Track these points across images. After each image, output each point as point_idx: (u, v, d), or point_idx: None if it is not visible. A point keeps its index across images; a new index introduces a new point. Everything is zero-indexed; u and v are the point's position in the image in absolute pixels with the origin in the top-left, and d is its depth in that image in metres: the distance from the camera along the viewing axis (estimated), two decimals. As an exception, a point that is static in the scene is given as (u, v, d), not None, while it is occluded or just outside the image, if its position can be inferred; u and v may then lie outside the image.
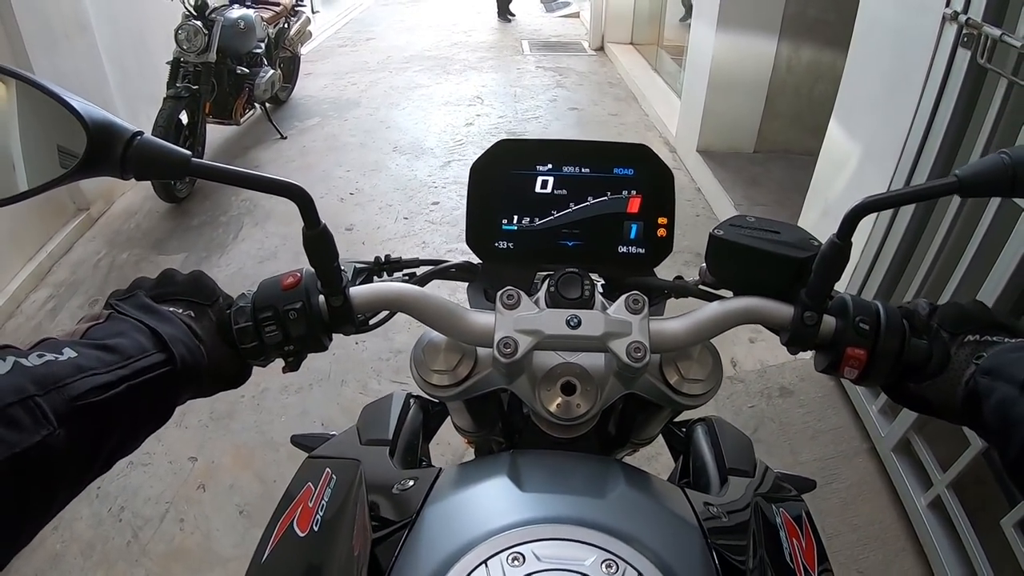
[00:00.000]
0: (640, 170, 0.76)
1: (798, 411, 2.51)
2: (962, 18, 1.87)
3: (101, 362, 0.50)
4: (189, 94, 4.32)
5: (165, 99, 4.27)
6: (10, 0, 3.67)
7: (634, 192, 0.76)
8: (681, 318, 0.66)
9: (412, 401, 0.95)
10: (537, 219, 0.78)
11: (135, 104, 4.90)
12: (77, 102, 0.54)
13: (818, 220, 2.76)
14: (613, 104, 6.05)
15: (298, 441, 1.02)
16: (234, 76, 4.86)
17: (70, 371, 0.47)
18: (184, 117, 4.34)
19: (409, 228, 3.85)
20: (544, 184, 0.77)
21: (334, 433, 0.92)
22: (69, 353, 0.48)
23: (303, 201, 0.62)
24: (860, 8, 2.45)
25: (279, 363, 0.68)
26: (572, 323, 0.64)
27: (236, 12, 4.80)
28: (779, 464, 2.23)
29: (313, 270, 0.65)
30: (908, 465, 2.12)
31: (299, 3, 6.33)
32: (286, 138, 5.38)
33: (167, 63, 4.46)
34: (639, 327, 0.63)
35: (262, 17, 5.25)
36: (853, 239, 0.61)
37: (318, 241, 0.63)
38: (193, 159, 0.57)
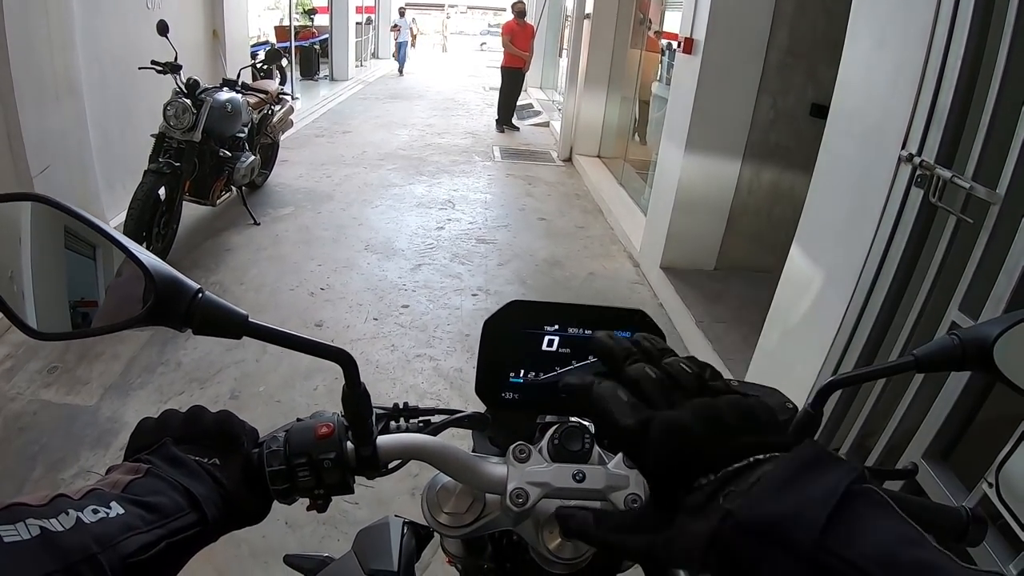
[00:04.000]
0: (636, 333, 0.85)
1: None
2: (916, 160, 2.02)
3: (143, 520, 0.54)
4: (170, 170, 4.36)
5: (146, 172, 4.30)
6: (8, 56, 3.73)
7: None
8: None
9: (406, 528, 0.99)
10: (542, 374, 0.83)
11: (114, 172, 4.94)
12: (144, 256, 0.59)
13: (778, 341, 2.87)
14: (580, 216, 6.24)
15: (292, 562, 1.02)
16: (216, 158, 4.90)
17: (120, 529, 0.52)
18: (163, 193, 4.34)
19: (379, 329, 3.87)
20: (550, 343, 0.82)
21: (328, 555, 0.95)
22: (117, 509, 0.53)
23: (349, 365, 0.67)
24: (824, 142, 2.61)
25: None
26: (578, 477, 0.69)
27: (225, 95, 4.89)
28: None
29: (344, 420, 0.70)
30: None
31: (284, 91, 6.49)
32: (259, 224, 5.43)
33: (152, 135, 4.50)
34: (635, 480, 0.68)
35: (248, 102, 5.35)
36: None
37: (358, 400, 0.68)
38: (249, 319, 0.63)
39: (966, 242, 1.92)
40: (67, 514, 0.50)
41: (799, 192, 2.83)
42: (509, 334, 0.83)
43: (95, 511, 0.52)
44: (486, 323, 0.83)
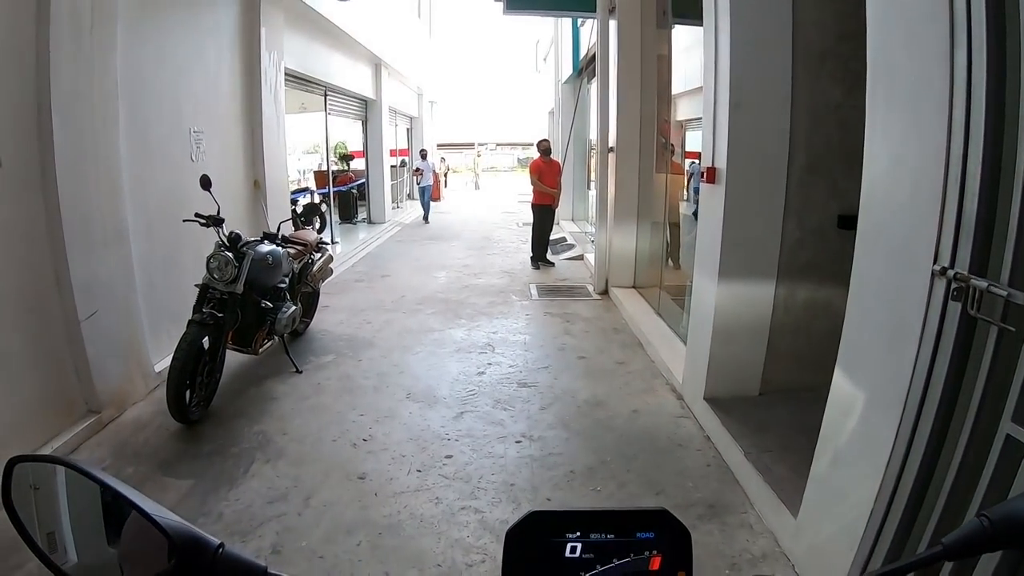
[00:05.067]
0: (660, 533, 0.83)
1: None
2: (950, 272, 2.01)
3: None
4: (214, 321, 4.49)
5: (190, 323, 4.42)
6: (58, 203, 3.93)
7: (655, 552, 0.83)
8: None
9: None
10: None
11: (158, 318, 5.11)
12: (163, 517, 0.62)
13: (830, 468, 2.79)
14: (619, 351, 6.21)
15: None
16: (258, 308, 5.03)
17: None
18: (206, 342, 4.45)
19: (422, 482, 3.81)
20: (573, 549, 0.82)
21: None
22: None
23: None
24: (855, 265, 2.60)
25: None
26: None
27: (266, 247, 5.07)
28: None
29: None
30: None
31: (323, 240, 6.72)
32: (301, 372, 5.51)
33: (195, 285, 4.64)
34: None
35: (289, 253, 5.54)
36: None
37: None
38: (269, 571, 0.64)
39: (1011, 351, 1.89)
40: None
41: (836, 305, 2.82)
42: (532, 543, 0.83)
43: None
44: (508, 533, 0.83)
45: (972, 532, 0.65)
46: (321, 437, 4.36)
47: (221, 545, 0.63)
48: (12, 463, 0.63)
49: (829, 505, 2.81)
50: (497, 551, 3.12)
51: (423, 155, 18.31)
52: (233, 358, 5.18)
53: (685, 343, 5.25)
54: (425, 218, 17.38)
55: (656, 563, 0.83)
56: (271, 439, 4.31)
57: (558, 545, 0.83)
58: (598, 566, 0.83)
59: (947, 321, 2.09)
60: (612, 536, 0.83)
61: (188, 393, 4.31)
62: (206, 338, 4.47)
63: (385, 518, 3.44)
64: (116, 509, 0.64)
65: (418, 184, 17.82)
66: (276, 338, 5.49)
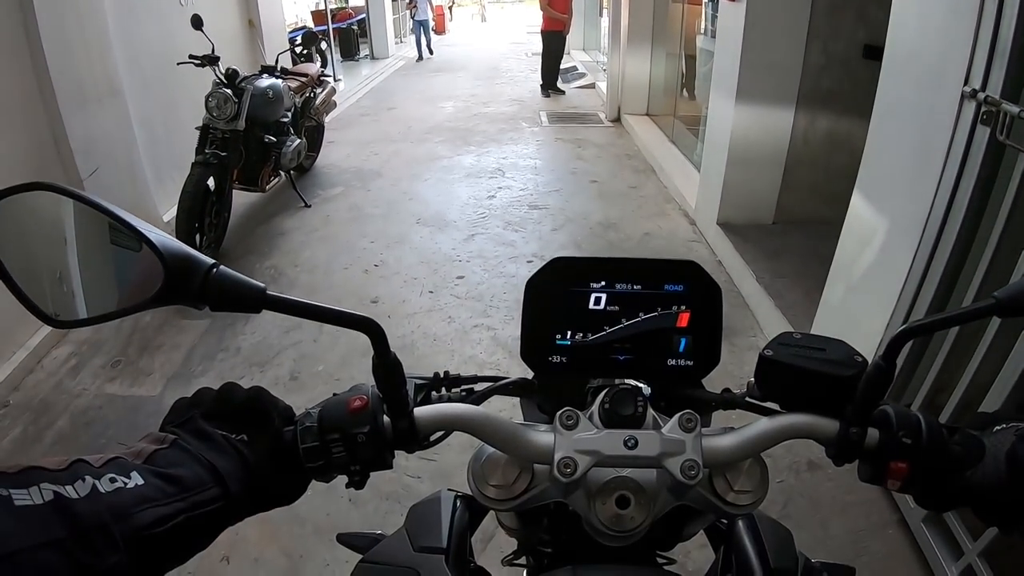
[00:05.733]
0: (690, 286, 0.78)
1: (827, 485, 2.50)
2: (980, 96, 1.91)
3: (163, 492, 0.53)
4: (217, 161, 4.39)
5: (194, 165, 4.34)
6: (46, 63, 3.80)
7: (684, 308, 0.78)
8: (732, 434, 0.69)
9: (459, 502, 0.96)
10: (590, 334, 0.79)
11: (162, 168, 5.03)
12: (154, 235, 0.57)
13: (843, 294, 2.79)
14: (632, 176, 6.14)
15: (345, 540, 1.00)
16: (261, 144, 4.93)
17: (136, 500, 0.51)
18: (211, 183, 4.39)
19: (435, 302, 3.87)
20: (597, 301, 0.78)
21: (380, 533, 0.92)
22: (137, 479, 0.52)
23: (376, 334, 0.64)
24: (880, 86, 2.50)
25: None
26: (629, 444, 0.66)
27: (265, 81, 4.90)
28: (809, 538, 2.23)
29: (378, 392, 0.67)
30: (939, 535, 2.10)
31: (325, 73, 6.50)
32: (310, 206, 5.48)
33: (196, 128, 4.54)
34: (692, 446, 0.66)
35: (290, 87, 5.36)
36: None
37: (389, 369, 0.66)
38: (267, 291, 0.61)
39: None
40: (83, 480, 0.49)
41: (856, 139, 2.71)
42: (553, 294, 0.80)
43: (112, 480, 0.51)
44: (528, 283, 0.79)
45: None
46: (332, 266, 4.39)
47: (215, 265, 0.60)
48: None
49: (840, 331, 2.75)
50: (510, 365, 3.21)
51: None
52: (241, 198, 5.14)
53: (699, 170, 5.18)
54: (420, 55, 15.39)
55: (684, 319, 0.79)
56: (283, 272, 4.34)
57: (581, 296, 0.79)
58: (623, 320, 0.79)
59: (974, 146, 2.00)
60: (639, 287, 0.78)
61: (198, 236, 4.28)
62: (211, 179, 4.38)
63: (399, 338, 3.51)
64: (104, 232, 0.61)
65: (413, 17, 15.88)
66: (282, 174, 5.42)
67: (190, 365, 3.36)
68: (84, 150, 4.09)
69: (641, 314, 0.78)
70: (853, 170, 2.69)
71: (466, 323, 3.65)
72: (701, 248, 4.55)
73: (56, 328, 0.60)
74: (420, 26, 15.39)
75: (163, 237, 0.58)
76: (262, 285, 0.60)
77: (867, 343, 2.45)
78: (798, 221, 4.42)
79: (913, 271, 2.26)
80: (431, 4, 15.82)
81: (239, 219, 5.11)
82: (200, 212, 4.26)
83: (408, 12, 16.20)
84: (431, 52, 15.68)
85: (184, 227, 4.12)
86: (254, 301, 0.61)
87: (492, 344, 3.45)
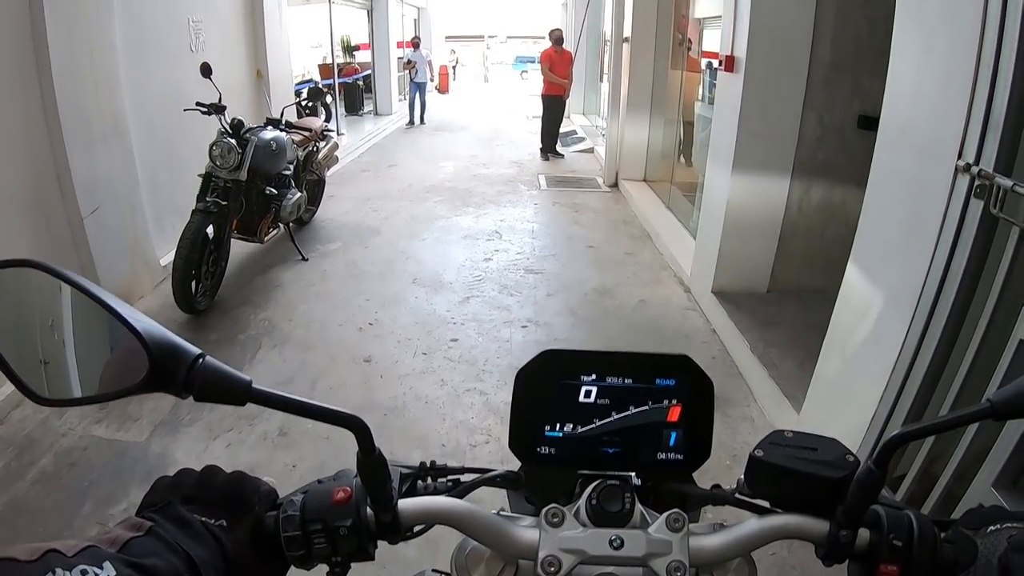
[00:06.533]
0: (681, 381, 0.78)
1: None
2: (974, 169, 1.94)
3: None
4: (218, 209, 4.42)
5: (194, 212, 4.36)
6: (55, 100, 3.84)
7: (675, 401, 0.78)
8: (720, 534, 0.69)
9: None
10: (580, 427, 0.79)
11: (162, 212, 5.06)
12: (139, 323, 0.57)
13: (837, 366, 2.77)
14: (628, 242, 6.17)
15: None
16: (263, 196, 4.98)
17: None
18: (211, 231, 4.41)
19: (427, 364, 3.84)
20: (588, 393, 0.78)
21: None
22: (109, 570, 0.51)
23: (361, 431, 0.65)
24: (875, 158, 2.53)
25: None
26: (615, 544, 0.66)
27: (269, 133, 4.95)
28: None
29: (362, 484, 0.67)
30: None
31: (328, 128, 6.59)
32: (307, 260, 5.50)
33: (199, 176, 4.57)
34: (679, 545, 0.65)
35: (293, 140, 5.43)
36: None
37: (374, 466, 0.66)
38: (254, 386, 0.61)
39: None
40: (54, 573, 0.48)
41: (851, 209, 2.75)
42: (544, 385, 0.79)
43: (84, 572, 0.50)
44: (519, 374, 0.79)
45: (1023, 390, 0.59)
46: (327, 322, 4.37)
47: (201, 355, 0.60)
48: None
49: (833, 403, 2.82)
50: (501, 432, 3.18)
51: (415, 44, 14.76)
52: (239, 248, 5.15)
53: (694, 237, 5.21)
54: (411, 120, 14.61)
55: (675, 413, 0.79)
56: (277, 325, 4.33)
57: (571, 388, 0.78)
58: (613, 413, 0.79)
59: (967, 220, 2.03)
60: (630, 381, 0.78)
61: (194, 283, 4.29)
62: (211, 227, 4.41)
63: (391, 400, 3.49)
64: (97, 314, 0.60)
65: (411, 79, 14.62)
66: (281, 226, 5.45)
67: (178, 413, 3.32)
68: (86, 188, 4.12)
69: (632, 407, 0.78)
70: (848, 239, 2.70)
71: (459, 387, 3.62)
72: (696, 316, 4.56)
73: (39, 404, 0.60)
74: (416, 88, 14.52)
75: (149, 325, 0.58)
76: (248, 379, 0.61)
77: (861, 416, 2.45)
78: (793, 290, 4.43)
79: (907, 344, 2.26)
80: (430, 67, 15.25)
81: (236, 268, 5.12)
82: (198, 260, 4.28)
83: (407, 73, 14.92)
84: (423, 120, 14.73)
85: (181, 274, 4.13)
86: (239, 395, 0.61)
87: (484, 409, 3.42)
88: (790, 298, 4.36)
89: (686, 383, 0.78)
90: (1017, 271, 1.89)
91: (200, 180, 4.57)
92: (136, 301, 4.62)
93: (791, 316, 4.09)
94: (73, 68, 4.02)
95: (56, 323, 0.61)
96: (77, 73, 4.06)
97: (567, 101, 10.80)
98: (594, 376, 0.78)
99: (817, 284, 4.10)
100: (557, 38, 10.35)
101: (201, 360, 0.60)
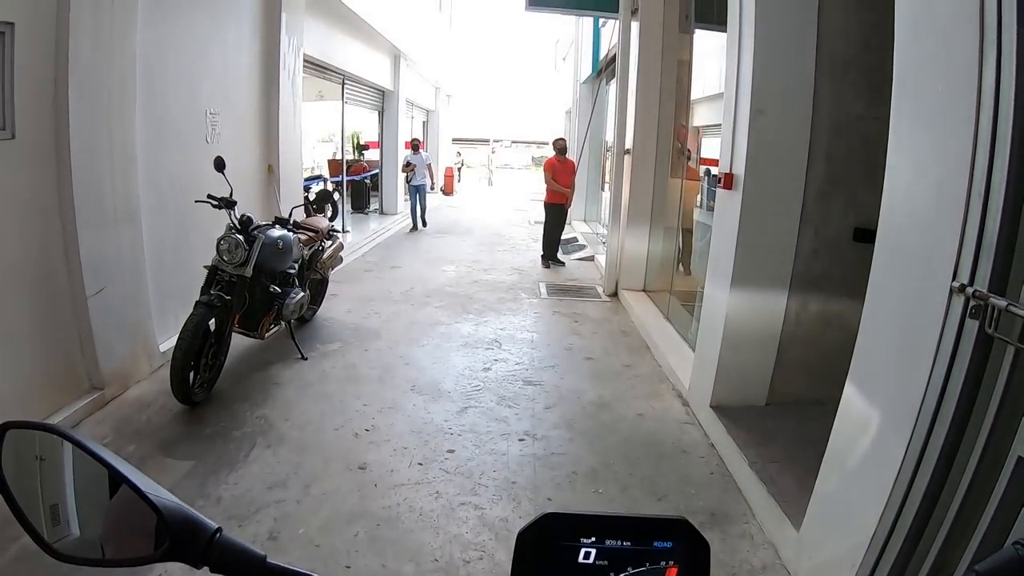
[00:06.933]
0: (678, 543, 0.80)
1: None
2: (969, 290, 1.97)
3: None
4: (221, 304, 4.48)
5: (197, 304, 4.42)
6: (71, 176, 3.93)
7: (672, 563, 0.80)
8: None
9: None
10: None
11: (166, 298, 5.13)
12: (159, 497, 0.60)
13: (836, 484, 2.75)
14: (627, 354, 6.17)
15: None
16: (266, 293, 5.04)
17: None
18: (212, 324, 4.45)
19: (423, 475, 3.79)
20: (587, 555, 0.79)
21: None
22: None
23: None
24: (871, 277, 2.57)
25: None
26: None
27: (277, 232, 5.06)
28: None
29: None
30: None
31: (334, 228, 6.72)
32: (307, 359, 5.51)
33: (204, 267, 4.65)
34: None
35: (299, 239, 5.53)
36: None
37: None
38: (268, 560, 0.62)
39: None
40: None
41: (848, 319, 2.80)
42: (544, 546, 0.80)
43: None
44: (519, 535, 0.80)
45: (1008, 561, 0.62)
46: (323, 425, 4.35)
47: (219, 530, 0.62)
48: (3, 429, 0.61)
49: (833, 520, 2.78)
50: (496, 548, 3.13)
51: (415, 147, 14.22)
52: (239, 341, 5.18)
53: (693, 349, 5.22)
54: (414, 225, 14.18)
55: (672, 574, 0.80)
56: (273, 424, 4.31)
57: (571, 549, 0.80)
58: (612, 574, 0.80)
59: (963, 339, 2.05)
60: (628, 543, 0.80)
61: (192, 374, 4.31)
62: (213, 320, 4.47)
63: (384, 510, 3.42)
64: (115, 485, 0.63)
65: (408, 182, 14.15)
66: (283, 323, 5.49)
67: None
68: (93, 269, 4.18)
69: (630, 568, 0.80)
70: (846, 347, 2.72)
71: (453, 500, 3.55)
72: (694, 430, 4.53)
73: (56, 559, 0.62)
74: (415, 192, 14.02)
75: (166, 500, 0.61)
76: (262, 554, 0.62)
77: (860, 535, 2.41)
78: (791, 401, 4.42)
79: (906, 462, 2.24)
80: (430, 170, 14.64)
81: (235, 361, 5.13)
82: (198, 352, 4.31)
83: (404, 176, 14.39)
84: (424, 223, 14.33)
85: (180, 364, 4.16)
86: (255, 569, 0.62)
87: (479, 524, 3.35)
88: (789, 410, 4.34)
89: (682, 545, 0.80)
90: (1013, 389, 1.90)
91: (206, 271, 4.64)
92: (132, 386, 4.64)
93: (790, 430, 4.07)
94: (92, 146, 4.15)
95: (74, 486, 0.64)
96: (95, 151, 4.19)
97: (569, 210, 11.03)
98: (593, 539, 0.79)
99: (817, 394, 4.09)
100: (561, 148, 10.66)
101: (218, 535, 0.61)
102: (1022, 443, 1.84)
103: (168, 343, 4.83)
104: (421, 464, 3.92)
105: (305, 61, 8.56)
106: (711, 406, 4.44)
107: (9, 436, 0.61)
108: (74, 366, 4.28)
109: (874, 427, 2.52)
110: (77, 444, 0.61)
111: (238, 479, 3.62)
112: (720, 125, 4.62)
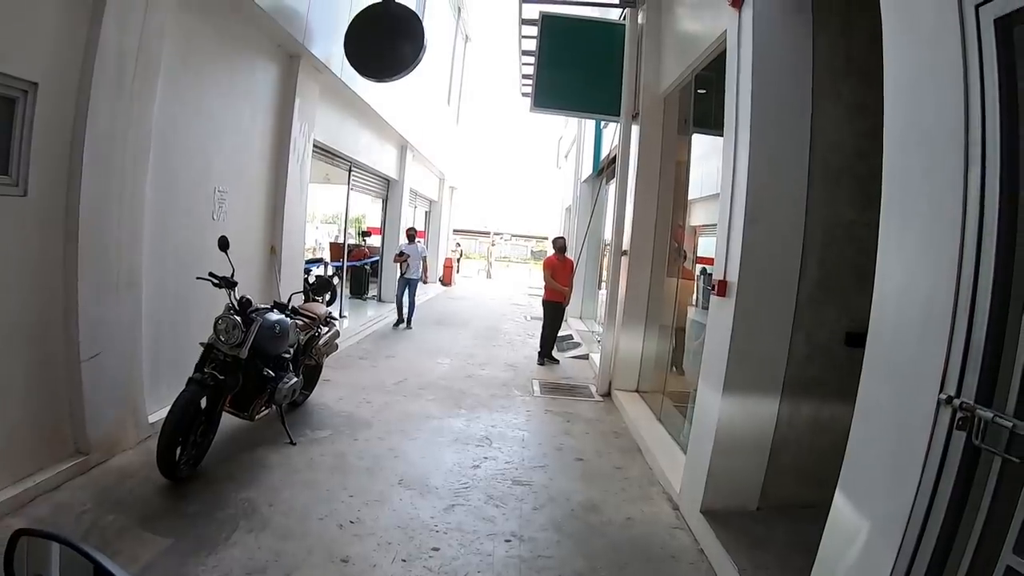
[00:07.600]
0: None
1: None
2: (956, 402, 2.01)
3: None
4: (214, 383, 4.48)
5: (190, 380, 4.42)
6: (77, 241, 3.99)
7: None
8: None
9: None
10: None
11: (161, 368, 5.14)
12: None
13: None
14: (618, 456, 6.12)
15: None
16: (260, 376, 5.03)
17: None
18: (203, 403, 4.45)
19: (406, 572, 3.70)
20: None
21: None
22: None
23: None
24: (861, 387, 2.61)
25: None
26: None
27: (275, 316, 5.11)
28: None
29: None
30: None
31: (332, 315, 6.76)
32: (296, 444, 5.46)
33: (200, 344, 4.66)
34: None
35: (296, 324, 5.57)
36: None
37: None
38: None
39: (1014, 481, 1.89)
40: None
41: (839, 422, 2.81)
42: None
43: None
44: None
45: None
46: (308, 513, 4.28)
47: None
48: (17, 535, 0.64)
49: None
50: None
51: (410, 236, 13.07)
52: (228, 420, 5.14)
53: (685, 452, 5.19)
54: (400, 319, 12.87)
55: None
56: (257, 508, 4.24)
57: None
58: None
59: (951, 450, 2.09)
60: None
61: (179, 450, 4.28)
62: (204, 398, 4.46)
63: (365, 607, 3.34)
64: None
65: (401, 274, 12.90)
66: (274, 407, 5.46)
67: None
68: (90, 333, 4.21)
69: None
70: (837, 452, 2.73)
71: (434, 603, 3.48)
72: (684, 536, 4.45)
73: None
74: (406, 285, 12.76)
75: None
76: None
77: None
78: (783, 505, 4.38)
79: (896, 572, 2.23)
80: (425, 263, 13.24)
81: (222, 439, 5.08)
82: (186, 428, 4.29)
83: (398, 267, 13.11)
84: (409, 324, 12.82)
85: (168, 440, 4.14)
86: None
87: (462, 626, 3.28)
88: (781, 515, 4.31)
89: None
90: (1001, 499, 1.92)
91: (202, 348, 4.66)
92: (118, 454, 4.60)
93: (781, 535, 4.03)
94: (101, 211, 4.23)
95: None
96: (104, 216, 4.27)
97: (566, 308, 11.11)
98: None
99: (809, 498, 4.03)
100: (560, 247, 10.83)
101: None
102: (1011, 552, 1.84)
103: (158, 414, 4.80)
104: (405, 561, 3.84)
105: (315, 146, 8.78)
106: (702, 511, 4.39)
107: (22, 543, 0.64)
108: (61, 428, 4.26)
109: (863, 536, 2.51)
110: (86, 555, 0.64)
111: (217, 562, 3.54)
112: (716, 225, 4.74)
